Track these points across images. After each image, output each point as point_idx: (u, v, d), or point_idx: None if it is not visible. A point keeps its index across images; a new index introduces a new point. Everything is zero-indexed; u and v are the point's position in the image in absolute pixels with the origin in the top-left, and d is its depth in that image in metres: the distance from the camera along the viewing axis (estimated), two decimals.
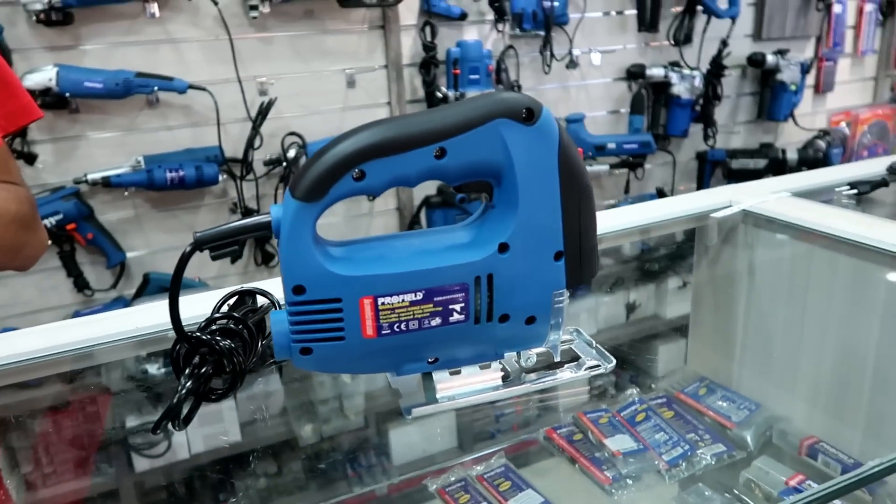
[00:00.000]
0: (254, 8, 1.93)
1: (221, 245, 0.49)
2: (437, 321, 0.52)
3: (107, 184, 1.87)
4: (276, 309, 0.63)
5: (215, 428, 0.68)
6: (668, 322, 1.07)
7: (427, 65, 2.18)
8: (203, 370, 0.53)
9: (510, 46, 2.33)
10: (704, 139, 2.75)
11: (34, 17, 1.74)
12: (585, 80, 2.54)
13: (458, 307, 0.52)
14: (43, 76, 1.74)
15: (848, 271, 0.96)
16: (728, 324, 1.00)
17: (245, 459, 0.64)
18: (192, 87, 1.89)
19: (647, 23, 2.51)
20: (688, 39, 2.59)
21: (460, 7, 2.21)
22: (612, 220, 1.05)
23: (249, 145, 1.99)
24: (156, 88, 1.85)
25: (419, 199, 2.30)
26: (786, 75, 2.75)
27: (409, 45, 2.22)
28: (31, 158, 1.82)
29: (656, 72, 2.55)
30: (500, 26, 2.30)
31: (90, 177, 1.87)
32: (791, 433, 0.76)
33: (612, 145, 2.49)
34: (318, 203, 0.48)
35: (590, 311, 1.02)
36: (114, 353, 0.76)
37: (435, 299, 0.51)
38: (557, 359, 0.60)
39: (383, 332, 0.51)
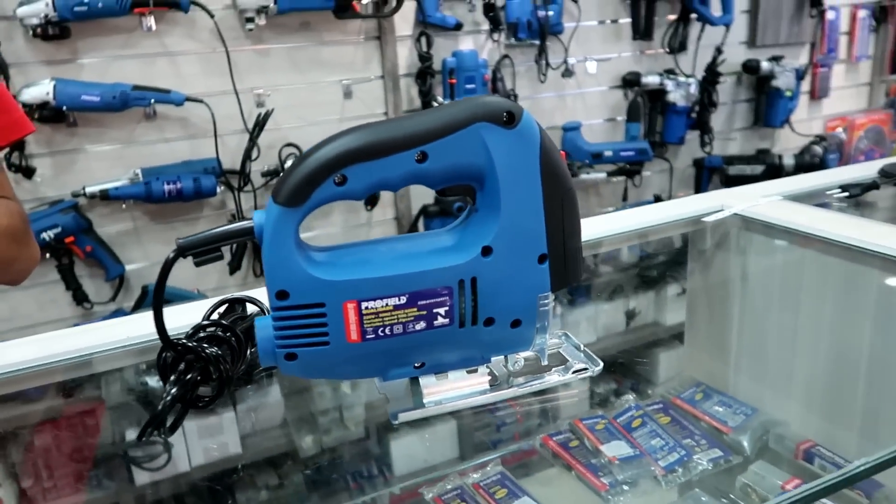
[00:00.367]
0: (250, 20, 1.94)
1: (204, 251, 0.50)
2: (421, 325, 0.52)
3: (105, 197, 1.88)
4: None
5: (212, 440, 0.68)
6: (663, 327, 1.07)
7: (423, 75, 2.19)
8: (189, 377, 0.53)
9: (506, 56, 2.34)
10: (701, 146, 2.76)
11: (31, 32, 1.75)
12: (581, 89, 2.55)
13: (442, 311, 0.52)
14: (40, 90, 1.75)
15: (840, 274, 0.96)
16: (723, 328, 1.00)
17: (241, 471, 0.64)
18: (189, 99, 1.90)
19: (642, 31, 2.52)
20: (682, 47, 2.61)
21: (455, 17, 2.22)
22: (606, 226, 1.05)
23: (247, 157, 2.00)
24: (153, 101, 1.86)
25: (417, 208, 2.30)
26: (781, 81, 2.76)
27: (405, 56, 2.23)
28: (29, 172, 1.82)
29: (652, 79, 2.56)
30: (496, 36, 2.31)
31: (88, 190, 1.87)
32: (787, 437, 0.75)
33: (608, 153, 2.49)
34: (300, 208, 0.48)
35: (585, 317, 1.01)
36: (107, 363, 0.76)
37: (419, 303, 0.52)
38: (545, 362, 0.60)
39: (368, 336, 0.52)
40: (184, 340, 0.54)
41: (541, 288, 0.55)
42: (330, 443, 0.73)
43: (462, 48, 2.27)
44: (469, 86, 2.21)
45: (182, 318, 0.69)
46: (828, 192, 1.13)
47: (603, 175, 2.52)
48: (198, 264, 0.50)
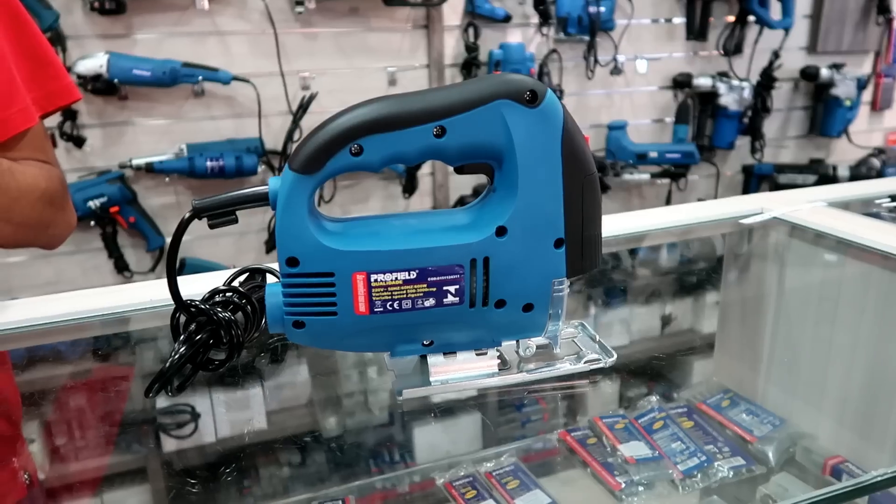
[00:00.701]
0: (300, 3, 1.96)
1: (219, 214, 0.50)
2: (431, 302, 0.52)
3: (150, 169, 1.93)
4: None
5: (239, 414, 0.69)
6: (694, 329, 1.04)
7: (469, 66, 2.18)
8: (198, 338, 0.53)
9: (554, 50, 2.31)
10: (752, 152, 2.68)
11: (89, 6, 1.80)
12: (630, 88, 2.51)
13: (452, 289, 0.52)
14: (94, 62, 1.80)
15: (883, 285, 0.92)
16: (756, 334, 0.97)
17: (262, 448, 0.64)
18: (236, 78, 1.94)
19: (696, 31, 2.46)
20: (738, 50, 2.54)
21: (504, 9, 2.20)
22: (640, 221, 1.03)
23: (289, 138, 2.02)
24: (200, 78, 1.89)
25: (454, 199, 2.30)
26: (840, 90, 2.66)
27: (452, 46, 2.22)
28: (80, 142, 1.88)
29: (703, 81, 2.50)
30: (545, 30, 2.28)
31: (135, 162, 1.92)
32: (815, 451, 0.73)
33: (653, 154, 2.45)
34: (314, 175, 0.48)
35: (612, 314, 1.00)
36: (140, 323, 0.78)
37: (429, 279, 0.51)
38: (557, 350, 0.59)
39: (376, 309, 0.51)
40: (197, 302, 0.55)
41: (556, 273, 0.53)
42: (345, 422, 0.73)
43: (510, 41, 2.25)
44: None
45: (206, 287, 0.69)
46: (877, 201, 1.08)
47: (646, 176, 2.47)
48: (212, 226, 0.50)
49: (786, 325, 0.96)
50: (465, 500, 0.65)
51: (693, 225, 1.05)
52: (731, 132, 2.58)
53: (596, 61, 2.36)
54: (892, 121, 2.98)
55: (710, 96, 2.53)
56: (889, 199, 1.06)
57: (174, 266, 0.51)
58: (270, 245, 2.09)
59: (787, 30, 2.52)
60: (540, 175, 0.51)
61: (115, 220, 1.95)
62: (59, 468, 0.58)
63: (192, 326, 0.54)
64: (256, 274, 0.69)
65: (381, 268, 0.50)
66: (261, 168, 2.02)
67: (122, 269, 2.00)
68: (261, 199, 0.50)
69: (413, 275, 0.51)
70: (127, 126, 1.96)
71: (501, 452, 0.71)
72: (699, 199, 2.67)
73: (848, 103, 2.69)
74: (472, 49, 2.17)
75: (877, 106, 2.91)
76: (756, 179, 2.70)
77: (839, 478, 0.69)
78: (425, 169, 2.24)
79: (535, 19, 2.28)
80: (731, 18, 2.51)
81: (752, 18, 2.50)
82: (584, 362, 0.60)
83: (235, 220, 0.50)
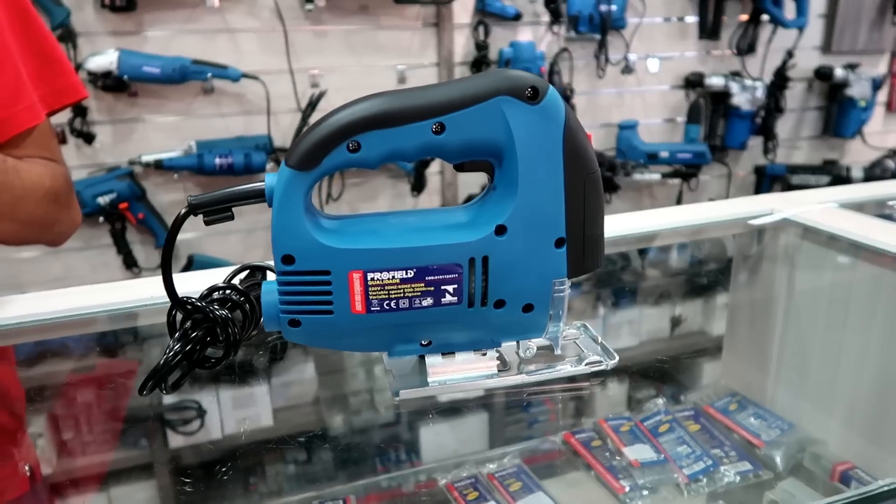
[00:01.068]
0: (309, 1, 1.96)
1: (215, 210, 0.49)
2: (428, 301, 0.51)
3: (159, 166, 1.93)
4: None
5: (235, 413, 0.68)
6: (702, 332, 1.03)
7: (479, 64, 2.17)
8: (193, 335, 0.53)
9: (564, 49, 2.30)
10: (764, 153, 2.65)
11: (100, 3, 1.81)
12: (641, 87, 2.49)
13: (450, 288, 0.51)
14: (105, 59, 1.81)
15: (894, 288, 0.90)
16: (765, 337, 0.96)
17: (257, 447, 0.64)
18: (245, 75, 1.94)
19: (709, 30, 2.44)
20: (751, 49, 2.51)
21: (515, 7, 2.19)
22: (648, 221, 1.01)
23: (298, 135, 2.02)
24: (210, 75, 1.90)
25: (463, 197, 2.29)
26: (855, 90, 2.63)
27: (462, 44, 2.21)
28: (89, 138, 1.89)
29: (716, 81, 2.48)
30: (556, 28, 2.27)
31: (144, 159, 1.93)
32: (824, 457, 0.71)
33: (664, 154, 2.43)
34: (311, 172, 0.48)
35: (621, 315, 0.98)
36: (146, 318, 0.78)
37: (427, 278, 0.50)
38: (558, 351, 0.58)
39: (373, 308, 0.50)
40: (194, 299, 0.54)
41: (556, 273, 0.52)
42: (343, 421, 0.72)
43: (520, 39, 2.24)
44: None
45: (208, 283, 0.69)
46: (890, 203, 1.06)
47: (657, 176, 2.45)
48: (208, 223, 0.50)
49: (795, 327, 0.94)
50: (467, 501, 0.65)
51: (702, 225, 1.03)
52: (743, 132, 2.56)
53: (607, 60, 2.34)
54: None
55: (722, 96, 2.51)
56: None
57: (169, 262, 0.50)
58: None
59: (801, 29, 2.49)
60: (541, 173, 0.50)
61: (124, 217, 1.96)
62: (61, 462, 0.58)
63: (188, 324, 0.53)
64: (257, 271, 0.68)
65: (378, 266, 0.49)
66: (269, 165, 2.02)
67: (131, 265, 2.01)
68: (257, 196, 0.49)
69: (410, 274, 0.50)
70: (137, 123, 1.96)
71: (504, 454, 0.70)
72: (710, 199, 2.65)
73: (863, 104, 2.66)
74: (482, 47, 2.16)
75: (892, 107, 2.87)
76: (768, 180, 2.67)
77: (848, 484, 0.67)
78: (434, 167, 2.24)
79: (546, 17, 2.26)
80: (745, 17, 2.48)
81: (765, 17, 2.47)
82: (585, 364, 0.59)
83: (231, 217, 0.50)
